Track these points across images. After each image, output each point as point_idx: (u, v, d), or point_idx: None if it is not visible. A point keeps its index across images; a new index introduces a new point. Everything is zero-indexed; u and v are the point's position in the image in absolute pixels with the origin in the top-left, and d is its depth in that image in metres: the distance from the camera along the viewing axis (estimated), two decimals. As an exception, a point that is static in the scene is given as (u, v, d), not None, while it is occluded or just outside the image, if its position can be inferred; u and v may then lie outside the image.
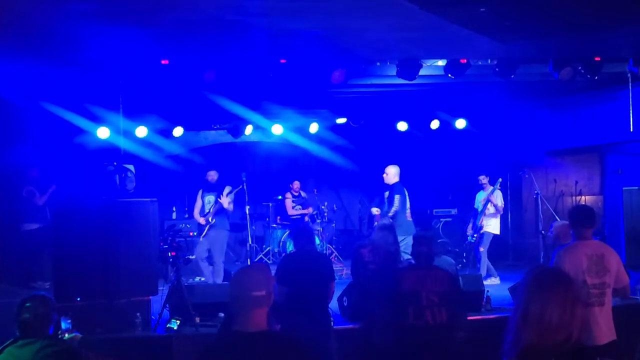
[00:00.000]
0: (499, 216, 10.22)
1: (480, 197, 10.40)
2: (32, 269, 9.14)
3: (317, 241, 11.27)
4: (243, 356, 2.77)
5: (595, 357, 4.63)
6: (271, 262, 11.38)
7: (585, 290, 4.75)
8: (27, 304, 3.77)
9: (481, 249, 10.09)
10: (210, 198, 9.53)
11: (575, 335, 2.35)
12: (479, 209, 10.31)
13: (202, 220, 9.45)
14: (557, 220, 10.69)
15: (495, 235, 10.20)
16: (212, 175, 9.72)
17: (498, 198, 10.18)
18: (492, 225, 10.17)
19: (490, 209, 10.13)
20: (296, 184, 12.22)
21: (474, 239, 10.30)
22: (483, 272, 9.82)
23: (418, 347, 4.83)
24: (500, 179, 10.19)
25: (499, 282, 9.71)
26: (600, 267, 4.82)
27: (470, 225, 10.49)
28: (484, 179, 10.34)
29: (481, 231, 10.19)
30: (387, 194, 9.42)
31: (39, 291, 4.03)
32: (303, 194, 12.32)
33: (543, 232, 10.36)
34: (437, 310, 4.85)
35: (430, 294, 4.90)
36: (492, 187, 10.20)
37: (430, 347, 4.84)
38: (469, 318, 7.13)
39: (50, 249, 8.01)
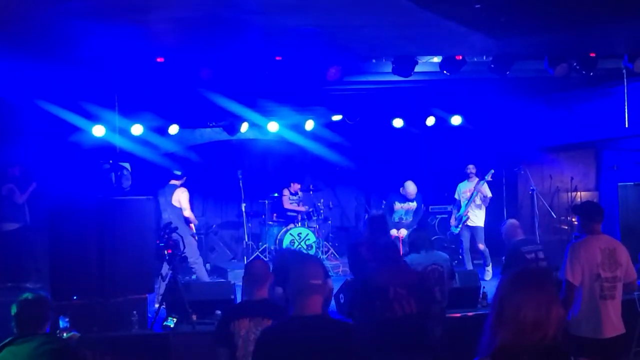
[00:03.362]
0: (484, 208, 10.36)
1: (463, 187, 10.54)
2: (14, 270, 8.95)
3: (314, 238, 11.28)
4: (300, 337, 3.13)
5: (605, 349, 4.72)
6: (267, 259, 11.38)
7: (599, 284, 4.88)
8: (23, 304, 3.79)
9: (481, 247, 10.17)
10: None
11: (551, 335, 2.33)
12: (463, 201, 10.43)
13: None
14: (553, 215, 10.80)
15: (489, 231, 10.24)
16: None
17: (486, 190, 10.28)
18: (479, 217, 10.33)
19: (478, 200, 10.24)
20: (297, 185, 12.25)
21: (458, 229, 10.42)
22: (489, 268, 10.05)
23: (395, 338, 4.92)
24: (492, 170, 10.31)
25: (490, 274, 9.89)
26: (613, 261, 4.95)
27: (454, 216, 10.63)
28: (472, 169, 10.47)
29: (467, 223, 10.30)
30: (413, 205, 10.15)
31: (37, 290, 4.03)
32: (300, 193, 12.34)
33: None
34: (407, 302, 4.94)
35: (397, 287, 4.99)
36: (477, 179, 10.34)
37: (404, 338, 4.94)
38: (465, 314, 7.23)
39: (43, 247, 7.97)
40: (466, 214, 10.31)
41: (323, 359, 3.13)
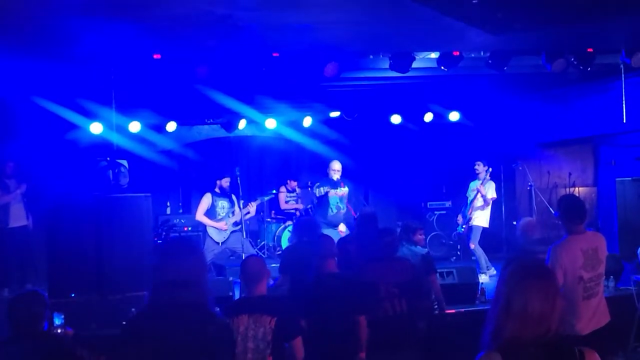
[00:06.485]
0: (488, 208, 9.94)
1: (473, 186, 10.14)
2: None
3: None
4: (323, 287, 4.83)
5: (591, 343, 4.63)
6: (266, 256, 11.37)
7: (582, 286, 4.68)
8: (20, 302, 3.76)
9: (472, 246, 9.81)
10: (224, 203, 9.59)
11: (555, 327, 2.35)
12: (470, 199, 10.09)
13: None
14: (551, 211, 10.77)
15: (486, 228, 9.98)
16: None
17: (489, 189, 9.92)
18: (479, 218, 9.89)
19: (479, 200, 9.88)
20: (293, 183, 12.23)
21: (463, 229, 10.09)
22: (483, 267, 9.61)
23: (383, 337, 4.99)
24: (490, 169, 9.97)
25: (488, 279, 9.27)
26: (596, 260, 4.76)
27: (460, 214, 10.26)
28: (479, 167, 10.00)
29: (470, 223, 9.93)
30: (345, 190, 9.10)
31: (34, 288, 4.00)
32: (298, 190, 12.32)
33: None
34: (397, 301, 5.03)
35: (389, 286, 5.01)
36: (485, 177, 9.96)
37: (394, 337, 4.98)
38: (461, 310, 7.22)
39: (45, 245, 7.93)
40: (470, 214, 9.94)
41: (337, 303, 4.61)
